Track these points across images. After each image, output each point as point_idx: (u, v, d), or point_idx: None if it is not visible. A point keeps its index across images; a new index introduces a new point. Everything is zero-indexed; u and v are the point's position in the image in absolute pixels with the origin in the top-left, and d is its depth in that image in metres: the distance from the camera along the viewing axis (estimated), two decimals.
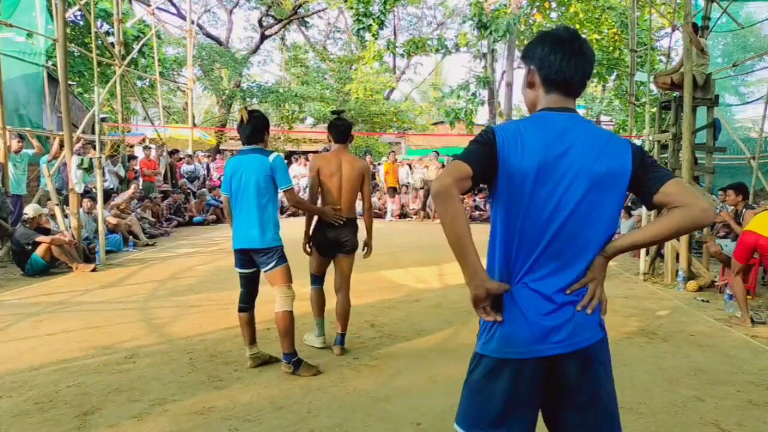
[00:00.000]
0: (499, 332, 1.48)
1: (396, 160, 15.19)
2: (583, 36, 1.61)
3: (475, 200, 13.99)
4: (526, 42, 18.81)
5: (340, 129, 3.89)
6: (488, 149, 1.48)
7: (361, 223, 4.01)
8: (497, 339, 1.48)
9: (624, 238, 1.56)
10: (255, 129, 3.55)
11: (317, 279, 4.04)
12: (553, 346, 1.44)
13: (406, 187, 14.59)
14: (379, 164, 17.02)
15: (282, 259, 3.55)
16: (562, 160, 1.47)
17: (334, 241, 3.85)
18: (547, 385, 1.48)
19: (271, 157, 3.50)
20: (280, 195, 3.68)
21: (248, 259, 3.56)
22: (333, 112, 4.12)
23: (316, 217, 3.92)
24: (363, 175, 3.89)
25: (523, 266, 1.50)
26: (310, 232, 3.94)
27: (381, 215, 13.89)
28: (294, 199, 3.68)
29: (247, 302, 3.65)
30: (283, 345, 3.51)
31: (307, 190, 3.96)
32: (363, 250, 4.08)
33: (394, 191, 13.96)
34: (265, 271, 3.54)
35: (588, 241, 1.49)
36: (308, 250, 3.98)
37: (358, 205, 4.07)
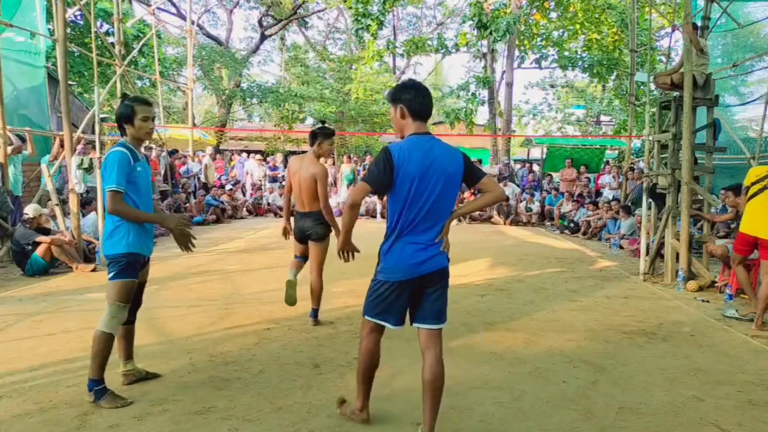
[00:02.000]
0: (391, 266, 2.60)
1: None
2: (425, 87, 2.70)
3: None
4: (526, 42, 18.87)
5: (311, 135, 4.54)
6: (388, 168, 2.49)
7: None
8: (390, 270, 2.61)
9: (458, 210, 2.74)
10: (116, 120, 3.20)
11: (299, 257, 4.73)
12: (424, 269, 2.58)
13: None
14: None
15: (121, 273, 3.06)
16: (432, 166, 2.52)
17: (301, 229, 4.52)
18: (416, 290, 2.63)
19: (105, 155, 3.13)
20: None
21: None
22: (321, 122, 4.83)
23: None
24: (315, 178, 4.36)
25: (408, 227, 2.57)
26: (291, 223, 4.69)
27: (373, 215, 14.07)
28: (112, 206, 2.97)
29: (129, 314, 3.22)
30: (90, 369, 3.03)
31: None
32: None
33: None
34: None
35: (443, 212, 2.60)
36: (287, 236, 4.72)
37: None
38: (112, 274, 3.08)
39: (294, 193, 4.53)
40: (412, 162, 2.48)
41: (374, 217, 13.96)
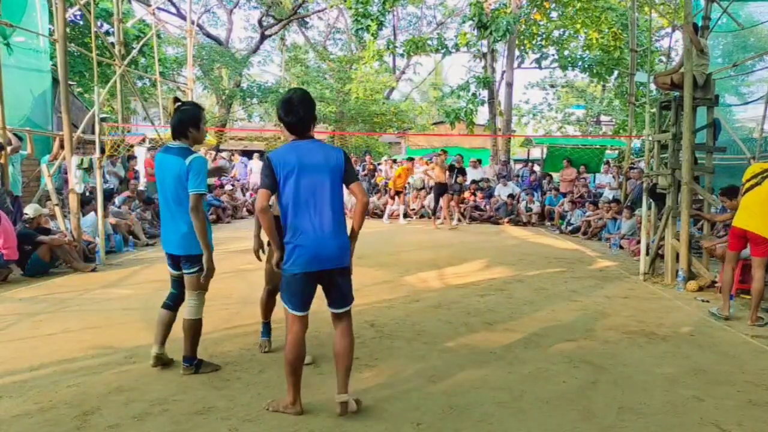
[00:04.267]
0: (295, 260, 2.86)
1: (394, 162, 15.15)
2: (306, 97, 2.93)
3: (475, 200, 13.99)
4: (526, 42, 18.86)
5: None
6: (271, 172, 2.82)
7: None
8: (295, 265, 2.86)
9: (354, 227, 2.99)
10: (179, 123, 3.33)
11: None
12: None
13: (404, 188, 14.53)
14: (379, 164, 17.01)
15: (202, 266, 3.44)
16: (310, 163, 2.84)
17: None
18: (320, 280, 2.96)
19: (188, 159, 3.26)
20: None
21: (179, 262, 3.48)
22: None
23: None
24: None
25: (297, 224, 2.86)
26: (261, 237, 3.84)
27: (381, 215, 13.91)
28: (194, 206, 3.26)
29: (174, 302, 3.60)
30: (189, 350, 3.52)
31: None
32: None
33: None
34: (186, 273, 3.46)
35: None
36: (259, 256, 3.87)
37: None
38: (197, 268, 3.41)
39: None
40: (288, 163, 2.81)
41: (380, 217, 13.73)
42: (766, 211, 4.84)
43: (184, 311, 3.51)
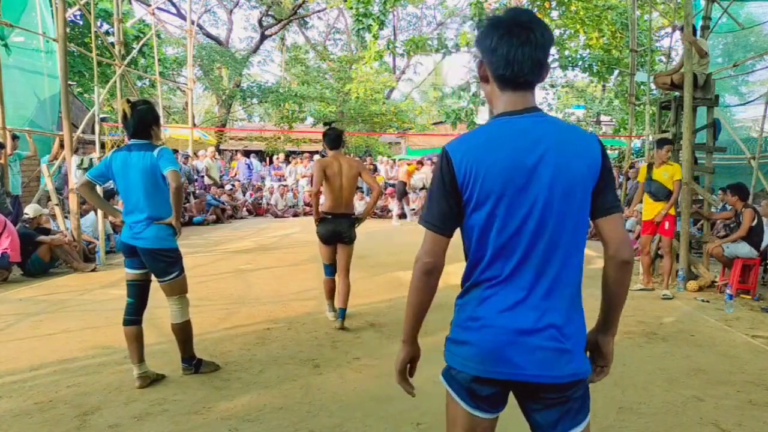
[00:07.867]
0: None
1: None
2: (537, 20, 1.37)
3: None
4: None
5: (332, 137, 4.54)
6: (450, 185, 1.40)
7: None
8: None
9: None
10: (140, 123, 3.28)
11: (329, 269, 4.66)
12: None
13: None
14: (380, 164, 17.04)
15: (183, 268, 3.41)
16: (540, 166, 1.36)
17: (336, 231, 4.47)
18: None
19: (156, 150, 3.25)
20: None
21: (141, 261, 3.32)
22: (324, 124, 4.71)
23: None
24: (359, 171, 4.57)
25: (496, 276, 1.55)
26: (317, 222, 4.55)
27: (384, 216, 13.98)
28: (176, 182, 3.25)
29: (136, 314, 3.37)
30: (186, 351, 3.53)
31: (314, 179, 4.54)
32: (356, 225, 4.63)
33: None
34: (162, 282, 3.35)
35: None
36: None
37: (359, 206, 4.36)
38: (178, 270, 3.37)
39: (332, 194, 4.44)
40: (494, 165, 1.35)
41: (390, 217, 13.76)
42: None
43: (170, 316, 3.44)
